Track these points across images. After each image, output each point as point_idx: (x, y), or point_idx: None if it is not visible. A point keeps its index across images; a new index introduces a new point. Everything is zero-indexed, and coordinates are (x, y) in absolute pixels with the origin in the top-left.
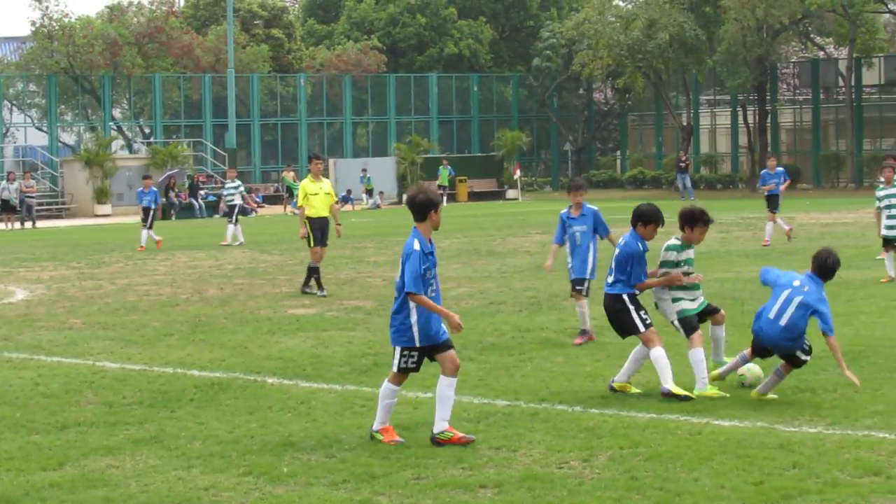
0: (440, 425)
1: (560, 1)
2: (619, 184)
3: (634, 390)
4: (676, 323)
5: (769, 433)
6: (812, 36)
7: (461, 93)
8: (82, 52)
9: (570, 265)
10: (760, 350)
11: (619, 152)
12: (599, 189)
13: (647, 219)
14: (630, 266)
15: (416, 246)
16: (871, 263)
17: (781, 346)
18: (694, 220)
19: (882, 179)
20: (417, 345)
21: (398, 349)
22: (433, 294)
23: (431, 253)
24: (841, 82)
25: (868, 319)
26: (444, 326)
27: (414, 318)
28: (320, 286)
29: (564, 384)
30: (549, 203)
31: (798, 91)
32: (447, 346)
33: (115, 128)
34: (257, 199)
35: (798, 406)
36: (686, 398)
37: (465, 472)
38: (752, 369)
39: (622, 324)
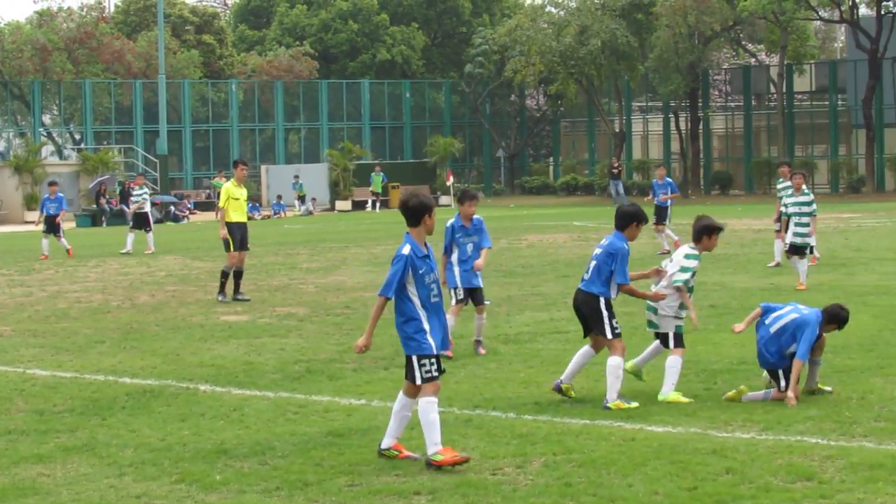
0: (388, 441)
1: (492, 7)
2: (551, 190)
3: (573, 395)
4: (671, 334)
5: (702, 439)
6: (744, 43)
7: (393, 99)
8: (11, 58)
9: (455, 273)
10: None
11: (551, 159)
12: (532, 195)
13: (639, 219)
14: (615, 264)
15: (406, 250)
16: (809, 269)
17: (766, 354)
18: (712, 230)
19: (781, 182)
20: (434, 352)
21: (414, 358)
22: (436, 300)
23: (427, 257)
24: (772, 89)
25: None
26: (449, 337)
27: (427, 325)
28: (222, 291)
29: (498, 390)
30: (482, 209)
31: (730, 97)
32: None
33: (44, 134)
34: (189, 205)
35: (731, 411)
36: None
37: (399, 478)
38: None
39: (591, 322)
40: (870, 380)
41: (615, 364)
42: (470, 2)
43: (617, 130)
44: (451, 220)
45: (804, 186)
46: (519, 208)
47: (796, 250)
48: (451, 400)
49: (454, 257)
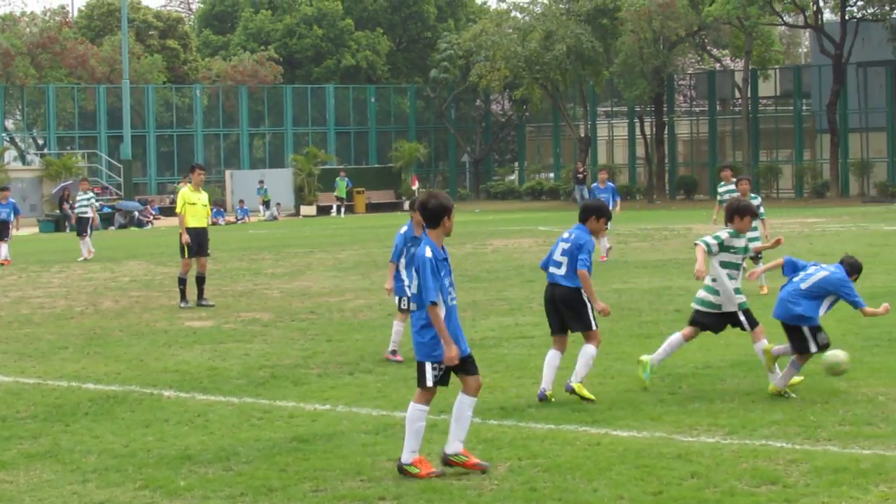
0: (455, 446)
1: (457, 12)
2: (516, 195)
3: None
4: (740, 313)
5: (667, 443)
6: (708, 48)
7: (358, 104)
8: None
9: (407, 282)
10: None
11: (516, 163)
12: (497, 200)
13: (600, 213)
14: (580, 252)
15: (429, 253)
16: (770, 274)
17: (790, 312)
18: (743, 212)
19: (723, 186)
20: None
21: (427, 364)
22: (453, 303)
23: (445, 259)
24: (737, 94)
25: (765, 329)
26: (465, 342)
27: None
28: (183, 297)
29: None
30: None
31: (695, 102)
32: (473, 368)
33: (7, 139)
34: (153, 211)
35: (696, 416)
36: (588, 401)
37: (364, 484)
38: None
39: (577, 318)
40: (834, 384)
41: (592, 353)
42: (435, 7)
43: (582, 135)
44: (404, 228)
45: (750, 192)
46: (484, 213)
47: (752, 256)
48: None
49: (401, 264)
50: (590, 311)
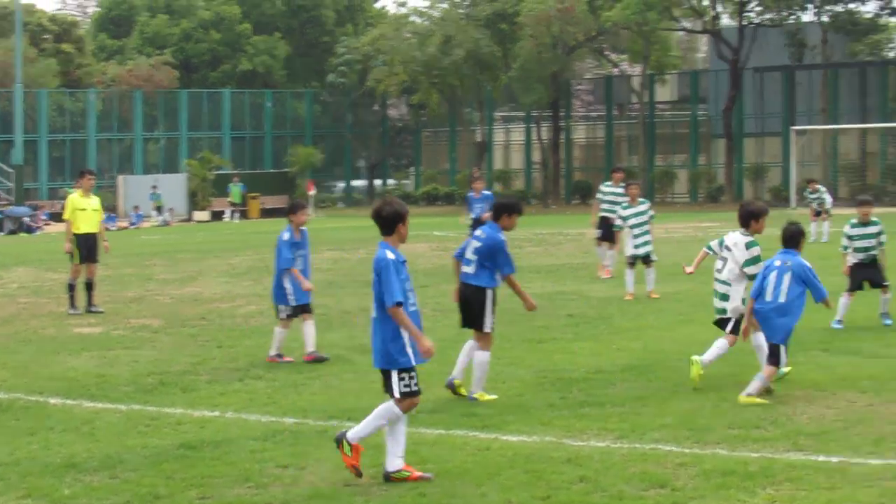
0: (395, 463)
1: (356, 17)
2: (412, 200)
3: (465, 392)
4: (734, 320)
5: (557, 448)
6: (607, 53)
7: (255, 109)
8: None
9: (288, 288)
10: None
11: (412, 168)
12: None
13: (511, 209)
14: (497, 257)
15: (390, 255)
16: (667, 277)
17: (788, 327)
18: (759, 214)
19: (608, 186)
20: (413, 363)
21: (394, 373)
22: (413, 309)
23: (404, 262)
24: (634, 99)
25: (657, 334)
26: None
27: (406, 335)
28: (72, 304)
29: (353, 401)
30: (343, 220)
31: (592, 107)
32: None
33: None
34: (43, 217)
35: (586, 420)
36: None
37: (252, 490)
38: None
39: (472, 315)
40: (724, 387)
41: (484, 359)
42: (334, 11)
43: (478, 140)
44: (286, 235)
45: (639, 196)
46: None
47: (644, 260)
48: (307, 411)
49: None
50: (488, 314)
